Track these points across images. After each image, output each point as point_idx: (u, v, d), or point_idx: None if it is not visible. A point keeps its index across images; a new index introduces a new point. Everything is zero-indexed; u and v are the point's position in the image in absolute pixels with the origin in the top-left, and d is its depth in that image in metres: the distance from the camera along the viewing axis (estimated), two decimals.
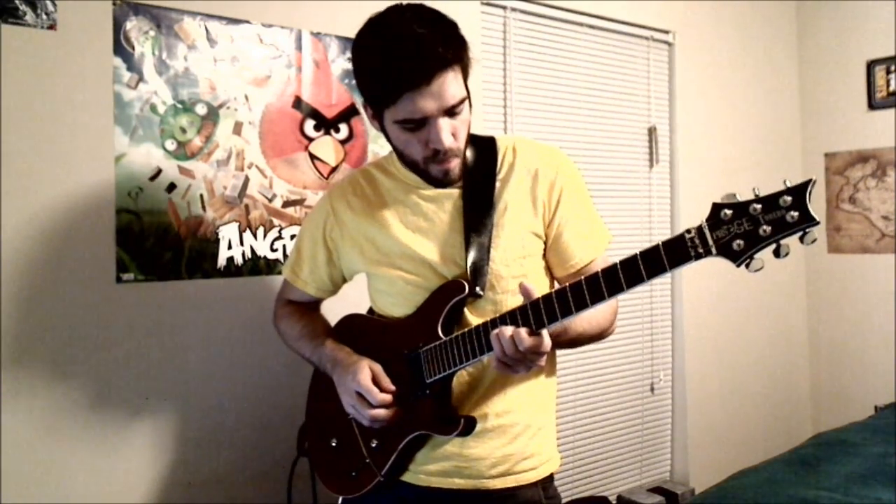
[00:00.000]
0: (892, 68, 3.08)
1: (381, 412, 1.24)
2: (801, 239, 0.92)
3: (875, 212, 3.14)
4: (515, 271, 1.26)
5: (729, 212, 0.94)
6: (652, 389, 2.83)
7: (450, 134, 1.18)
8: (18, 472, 1.55)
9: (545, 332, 1.09)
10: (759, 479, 1.84)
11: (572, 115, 2.59)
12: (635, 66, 2.77)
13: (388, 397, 1.24)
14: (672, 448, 2.91)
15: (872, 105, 3.14)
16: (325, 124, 1.97)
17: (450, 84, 1.14)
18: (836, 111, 3.26)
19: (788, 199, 0.91)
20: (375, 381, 1.26)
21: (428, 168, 1.24)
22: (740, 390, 3.08)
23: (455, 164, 1.24)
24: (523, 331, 1.08)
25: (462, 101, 1.18)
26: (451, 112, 1.17)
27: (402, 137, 1.21)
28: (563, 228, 1.29)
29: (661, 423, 2.88)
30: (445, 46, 1.14)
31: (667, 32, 2.84)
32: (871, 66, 3.14)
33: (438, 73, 1.12)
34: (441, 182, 1.27)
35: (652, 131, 2.81)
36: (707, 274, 2.94)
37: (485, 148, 1.33)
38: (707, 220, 0.96)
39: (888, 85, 3.09)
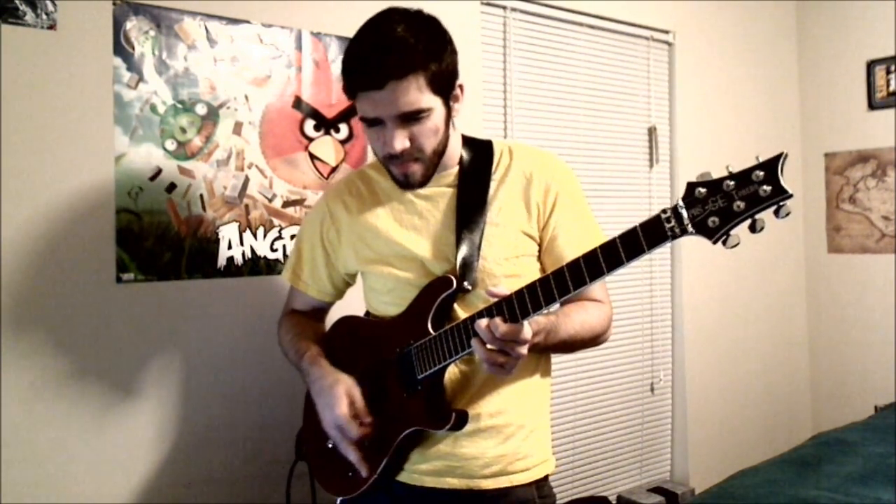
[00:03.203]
0: (892, 68, 3.08)
1: (361, 462, 1.25)
2: (776, 213, 0.92)
3: (875, 212, 3.14)
4: (508, 270, 1.26)
5: (703, 190, 0.95)
6: (652, 389, 2.83)
7: (403, 139, 1.19)
8: (19, 472, 1.55)
9: (525, 322, 1.09)
10: (759, 479, 1.84)
11: (572, 115, 2.59)
12: (635, 66, 2.77)
13: (366, 430, 1.25)
14: (672, 448, 2.91)
15: (872, 105, 3.14)
16: (325, 124, 1.97)
17: (405, 92, 1.15)
18: (836, 111, 3.26)
19: (761, 173, 0.91)
20: (353, 404, 1.26)
21: (388, 167, 1.26)
22: (740, 390, 3.08)
23: (416, 169, 1.24)
24: (498, 319, 1.09)
25: (423, 111, 1.18)
26: (406, 118, 1.18)
27: (368, 133, 1.25)
28: (557, 232, 1.30)
29: (661, 423, 2.88)
30: (409, 54, 1.15)
31: (667, 32, 2.84)
32: (871, 66, 3.14)
33: (393, 80, 1.14)
34: (403, 184, 1.28)
35: (652, 131, 2.81)
36: (707, 274, 2.94)
37: (481, 150, 1.34)
38: (682, 198, 0.96)
39: (888, 85, 3.09)
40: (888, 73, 3.09)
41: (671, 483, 2.86)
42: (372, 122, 1.20)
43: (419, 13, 1.21)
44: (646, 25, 2.76)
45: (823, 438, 2.16)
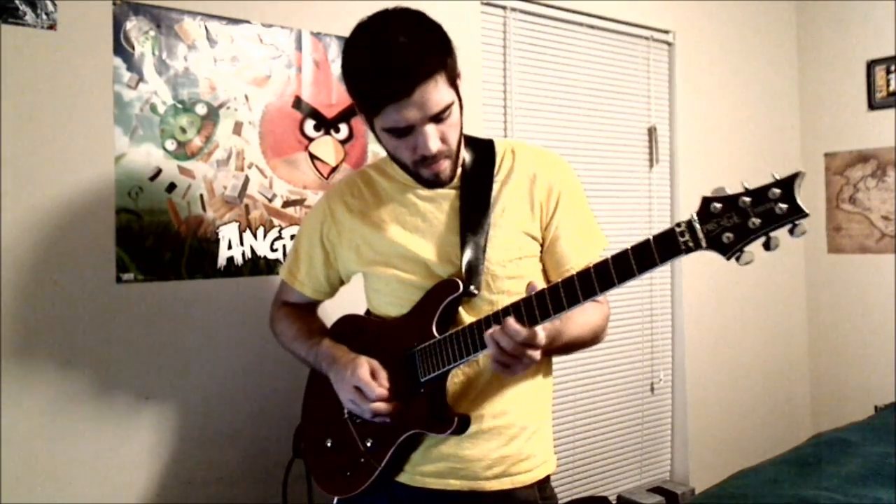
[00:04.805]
0: (892, 68, 3.08)
1: (381, 405, 1.24)
2: (791, 231, 0.91)
3: (875, 212, 3.14)
4: (511, 272, 1.26)
5: (718, 205, 0.94)
6: (652, 389, 2.83)
7: (437, 139, 1.18)
8: (18, 472, 1.55)
9: (538, 327, 1.09)
10: (759, 479, 1.84)
11: (572, 115, 2.59)
12: (635, 66, 2.77)
13: (384, 392, 1.24)
14: (672, 448, 2.91)
15: (872, 105, 3.14)
16: (325, 124, 1.97)
17: (432, 92, 1.14)
18: (836, 111, 3.26)
19: (777, 191, 0.90)
20: (374, 376, 1.26)
21: (418, 171, 1.25)
22: (740, 390, 3.08)
23: (445, 166, 1.24)
24: (513, 321, 1.08)
25: (448, 107, 1.18)
26: (436, 118, 1.17)
27: (392, 143, 1.22)
28: (559, 233, 1.30)
29: (661, 423, 2.88)
30: (427, 56, 1.14)
31: (667, 32, 2.84)
32: (871, 66, 3.14)
33: (420, 84, 1.13)
34: (433, 183, 1.28)
35: (652, 131, 2.81)
36: (707, 274, 2.94)
37: (483, 150, 1.34)
38: (697, 213, 0.96)
39: (888, 85, 3.09)
40: (888, 73, 3.09)
41: (671, 483, 2.86)
42: (402, 132, 1.18)
43: (405, 11, 1.19)
44: (646, 25, 2.76)
45: (823, 438, 2.16)
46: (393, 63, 1.13)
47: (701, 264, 2.91)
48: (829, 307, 3.32)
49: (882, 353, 3.10)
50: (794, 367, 3.34)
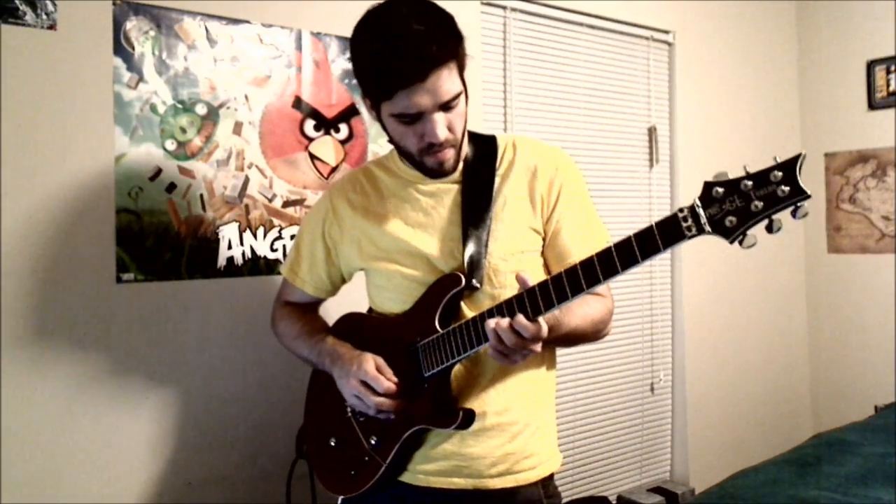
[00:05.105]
0: (892, 68, 3.08)
1: (386, 401, 1.24)
2: (794, 213, 0.92)
3: (875, 212, 3.14)
4: (513, 266, 1.26)
5: (721, 189, 0.95)
6: (652, 389, 2.83)
7: (445, 127, 1.19)
8: (18, 472, 1.55)
9: (541, 319, 1.09)
10: (759, 479, 1.84)
11: (572, 115, 2.59)
12: (635, 66, 2.77)
13: (392, 385, 1.24)
14: (672, 448, 2.91)
15: (872, 105, 3.14)
16: (325, 124, 1.97)
17: (444, 80, 1.15)
18: (836, 111, 3.26)
19: (779, 174, 0.91)
20: (380, 372, 1.26)
21: (423, 160, 1.25)
22: (740, 390, 3.08)
23: (450, 155, 1.25)
24: (522, 318, 1.08)
25: (457, 96, 1.19)
26: (446, 106, 1.18)
27: (399, 130, 1.22)
28: (561, 226, 1.30)
29: (661, 423, 2.88)
30: (440, 44, 1.15)
31: (667, 32, 2.84)
32: (871, 66, 3.14)
33: (433, 71, 1.14)
34: (437, 173, 1.28)
35: (652, 131, 2.81)
36: (707, 274, 2.94)
37: (485, 145, 1.35)
38: (699, 198, 0.96)
39: (888, 85, 3.09)
40: (888, 73, 3.09)
41: (671, 483, 2.86)
42: (411, 118, 1.19)
43: (419, 1, 1.20)
44: (646, 25, 2.76)
45: (823, 438, 2.16)
46: (408, 48, 1.13)
47: (701, 264, 2.92)
48: (829, 307, 3.32)
49: (882, 353, 3.10)
50: (794, 367, 3.34)
